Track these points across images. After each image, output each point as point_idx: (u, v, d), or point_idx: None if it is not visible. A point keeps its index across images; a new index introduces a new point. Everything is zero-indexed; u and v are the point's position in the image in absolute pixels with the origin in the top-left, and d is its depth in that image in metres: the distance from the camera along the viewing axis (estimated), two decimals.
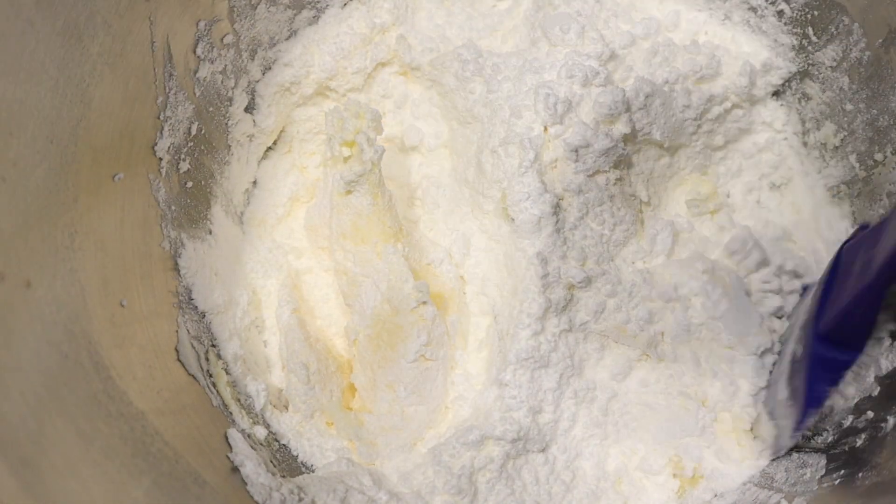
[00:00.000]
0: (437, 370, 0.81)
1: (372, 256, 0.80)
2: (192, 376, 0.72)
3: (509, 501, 0.77)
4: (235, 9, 0.82)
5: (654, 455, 0.81)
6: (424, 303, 0.79)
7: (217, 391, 0.75)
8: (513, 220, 0.80)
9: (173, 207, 0.75)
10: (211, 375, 0.75)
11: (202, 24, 0.78)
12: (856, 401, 0.75)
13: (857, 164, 0.86)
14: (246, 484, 0.68)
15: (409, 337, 0.78)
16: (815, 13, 0.86)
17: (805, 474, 0.74)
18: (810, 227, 0.92)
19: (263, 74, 0.89)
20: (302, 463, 0.79)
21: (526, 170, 0.80)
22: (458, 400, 0.82)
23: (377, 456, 0.79)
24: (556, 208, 0.79)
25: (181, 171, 0.78)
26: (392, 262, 0.79)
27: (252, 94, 0.89)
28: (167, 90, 0.74)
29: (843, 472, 0.71)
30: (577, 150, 0.81)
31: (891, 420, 0.70)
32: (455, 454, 0.76)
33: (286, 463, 0.77)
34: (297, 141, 0.94)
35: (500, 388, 0.78)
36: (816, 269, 0.88)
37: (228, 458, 0.69)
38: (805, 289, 0.88)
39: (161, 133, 0.74)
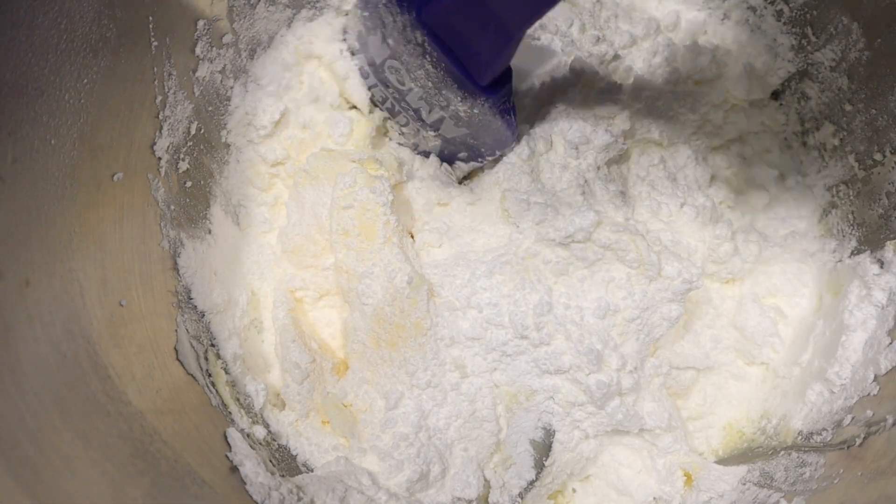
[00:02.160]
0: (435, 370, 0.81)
1: (375, 254, 0.79)
2: (191, 376, 0.72)
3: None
4: (234, 8, 0.82)
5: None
6: (426, 304, 0.79)
7: (216, 391, 0.75)
8: (512, 220, 0.80)
9: (172, 207, 0.75)
10: (210, 375, 0.75)
11: (201, 23, 0.78)
12: (855, 400, 0.76)
13: (856, 164, 0.86)
14: (245, 483, 0.68)
15: (410, 336, 0.78)
16: (814, 13, 0.86)
17: (804, 473, 0.74)
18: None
19: None
20: (301, 462, 0.79)
21: (525, 169, 0.80)
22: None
23: (371, 454, 0.79)
24: (556, 208, 0.79)
25: (180, 171, 0.78)
26: (396, 262, 0.79)
27: None
28: (166, 90, 0.74)
29: (842, 471, 0.71)
30: (577, 148, 0.81)
31: (890, 419, 0.70)
32: (410, 421, 0.77)
33: (285, 462, 0.77)
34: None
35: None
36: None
37: (227, 457, 0.69)
38: None
39: (160, 132, 0.74)
